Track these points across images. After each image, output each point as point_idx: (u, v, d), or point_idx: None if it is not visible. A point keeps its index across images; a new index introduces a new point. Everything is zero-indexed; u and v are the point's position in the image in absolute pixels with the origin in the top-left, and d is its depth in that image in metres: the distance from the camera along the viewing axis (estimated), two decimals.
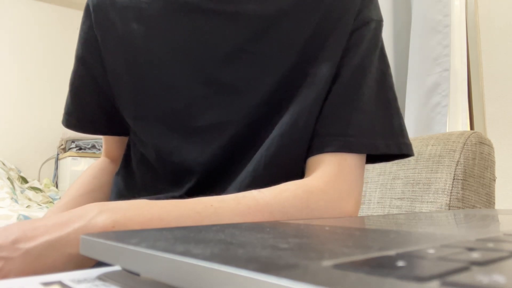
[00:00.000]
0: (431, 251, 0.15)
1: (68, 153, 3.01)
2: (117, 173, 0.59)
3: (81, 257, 0.31)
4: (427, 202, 0.69)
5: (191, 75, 0.50)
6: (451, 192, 0.66)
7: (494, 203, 0.69)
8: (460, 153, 0.68)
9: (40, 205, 2.55)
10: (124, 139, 0.63)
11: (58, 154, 3.24)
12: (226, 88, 0.49)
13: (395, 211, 0.74)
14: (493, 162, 0.70)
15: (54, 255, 0.30)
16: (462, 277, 0.11)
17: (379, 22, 0.52)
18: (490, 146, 0.70)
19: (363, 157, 0.48)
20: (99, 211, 0.32)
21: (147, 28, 0.51)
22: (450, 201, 0.66)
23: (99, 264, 0.35)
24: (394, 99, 0.51)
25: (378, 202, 0.77)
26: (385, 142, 0.47)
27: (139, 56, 0.52)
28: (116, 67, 0.54)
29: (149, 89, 0.51)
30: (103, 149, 0.68)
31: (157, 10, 0.51)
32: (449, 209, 0.66)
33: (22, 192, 2.72)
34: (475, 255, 0.14)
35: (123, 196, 0.56)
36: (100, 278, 0.21)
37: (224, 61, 0.49)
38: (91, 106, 0.59)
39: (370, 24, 0.50)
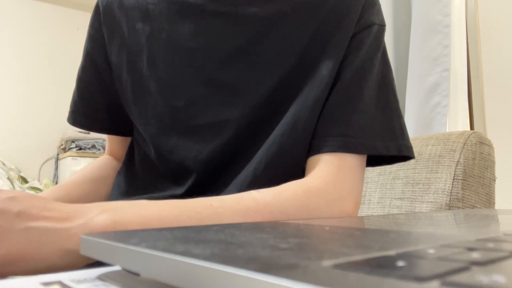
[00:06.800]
0: (431, 251, 0.15)
1: (68, 153, 3.02)
2: (119, 172, 0.60)
3: (77, 254, 0.31)
4: (427, 202, 0.69)
5: (192, 75, 0.50)
6: (451, 192, 0.66)
7: (494, 203, 0.69)
8: (460, 153, 0.68)
9: None
10: (128, 139, 0.64)
11: (58, 154, 3.24)
12: (226, 88, 0.49)
13: (395, 211, 0.74)
14: (493, 162, 0.70)
15: (51, 246, 0.30)
16: (462, 277, 0.11)
17: (381, 27, 0.52)
18: (490, 146, 0.70)
19: (363, 158, 0.48)
20: (100, 210, 0.32)
21: (151, 28, 0.52)
22: (450, 201, 0.66)
23: (99, 264, 0.35)
24: (395, 102, 0.51)
25: (378, 202, 0.77)
26: (384, 143, 0.47)
27: (141, 55, 0.52)
28: (119, 65, 0.55)
29: (149, 87, 0.52)
30: (106, 148, 0.68)
31: (162, 10, 0.52)
32: (449, 209, 0.66)
33: None
34: (475, 255, 0.14)
35: (125, 194, 0.56)
36: (100, 278, 0.21)
37: (225, 61, 0.49)
38: (97, 103, 0.59)
39: (372, 28, 0.50)
